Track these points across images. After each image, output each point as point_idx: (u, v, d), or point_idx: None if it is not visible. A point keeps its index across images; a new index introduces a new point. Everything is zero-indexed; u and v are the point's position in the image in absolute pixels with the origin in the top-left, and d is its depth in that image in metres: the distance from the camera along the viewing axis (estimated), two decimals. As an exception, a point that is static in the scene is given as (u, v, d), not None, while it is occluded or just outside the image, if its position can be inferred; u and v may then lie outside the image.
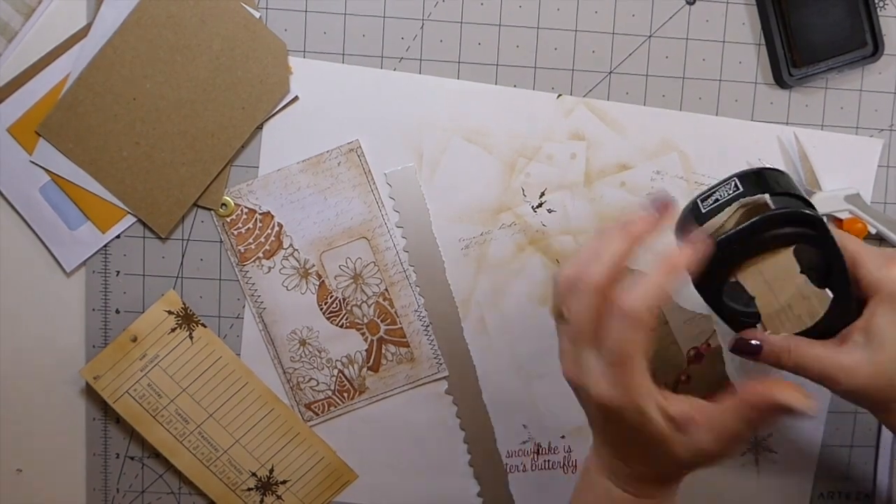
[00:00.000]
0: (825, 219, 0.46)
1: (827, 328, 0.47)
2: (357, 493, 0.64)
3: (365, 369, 0.62)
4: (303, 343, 0.62)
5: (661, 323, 0.62)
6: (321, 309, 0.61)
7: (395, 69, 0.60)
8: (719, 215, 0.46)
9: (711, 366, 0.62)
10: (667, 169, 0.61)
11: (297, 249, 0.61)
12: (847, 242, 0.46)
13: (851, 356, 0.45)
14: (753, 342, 0.47)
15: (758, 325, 0.48)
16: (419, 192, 0.60)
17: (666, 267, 0.43)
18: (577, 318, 0.43)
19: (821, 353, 0.46)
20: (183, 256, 0.61)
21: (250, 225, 0.60)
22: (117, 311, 0.61)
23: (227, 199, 0.60)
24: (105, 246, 0.60)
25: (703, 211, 0.46)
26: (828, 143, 0.61)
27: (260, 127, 0.59)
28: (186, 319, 0.60)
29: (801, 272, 0.46)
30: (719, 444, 0.44)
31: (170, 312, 0.60)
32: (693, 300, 0.60)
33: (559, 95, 0.60)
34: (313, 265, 0.61)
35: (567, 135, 0.60)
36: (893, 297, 0.44)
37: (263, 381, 0.62)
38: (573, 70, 0.60)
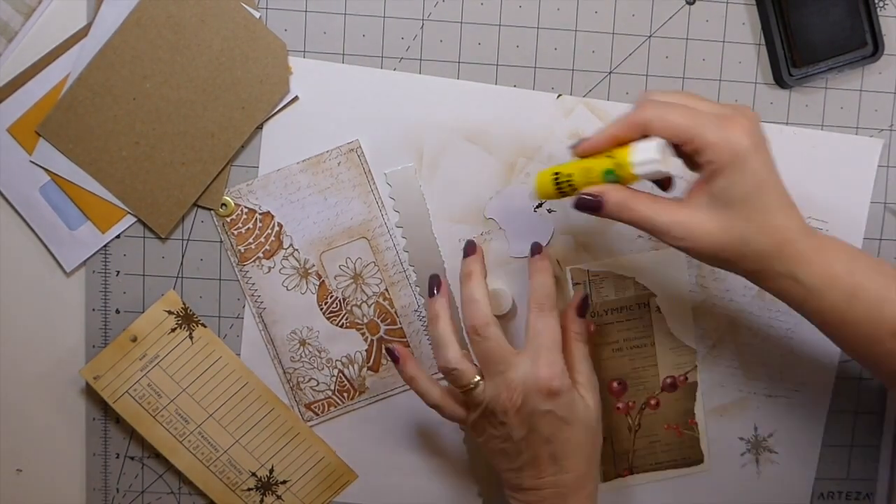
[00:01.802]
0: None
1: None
2: (357, 493, 0.64)
3: (365, 369, 0.62)
4: (303, 343, 0.62)
5: (648, 344, 0.62)
6: (321, 309, 0.61)
7: (395, 69, 0.60)
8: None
9: (682, 399, 0.62)
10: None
11: (297, 249, 0.61)
12: (680, 117, 0.46)
13: (695, 215, 0.47)
14: (594, 197, 0.49)
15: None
16: (419, 192, 0.60)
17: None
18: (488, 355, 0.54)
19: (655, 207, 0.48)
20: (183, 256, 0.61)
21: (250, 225, 0.60)
22: (117, 311, 0.61)
23: (227, 199, 0.60)
24: (105, 246, 0.61)
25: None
26: (828, 143, 0.61)
27: (260, 127, 0.59)
28: (186, 319, 0.60)
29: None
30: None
31: (170, 312, 0.60)
32: (683, 331, 0.61)
33: (559, 95, 0.60)
34: (313, 265, 0.61)
35: (567, 135, 0.60)
36: (734, 161, 0.45)
37: (263, 381, 0.62)
38: (573, 70, 0.60)
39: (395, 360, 0.56)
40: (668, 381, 0.62)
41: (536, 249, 0.56)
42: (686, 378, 0.62)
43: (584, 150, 0.50)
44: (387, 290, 0.61)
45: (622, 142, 0.48)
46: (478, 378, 0.53)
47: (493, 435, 0.54)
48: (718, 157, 0.45)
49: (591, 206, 0.49)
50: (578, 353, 0.56)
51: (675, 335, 0.62)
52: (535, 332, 0.53)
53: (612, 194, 0.48)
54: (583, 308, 0.57)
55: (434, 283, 0.56)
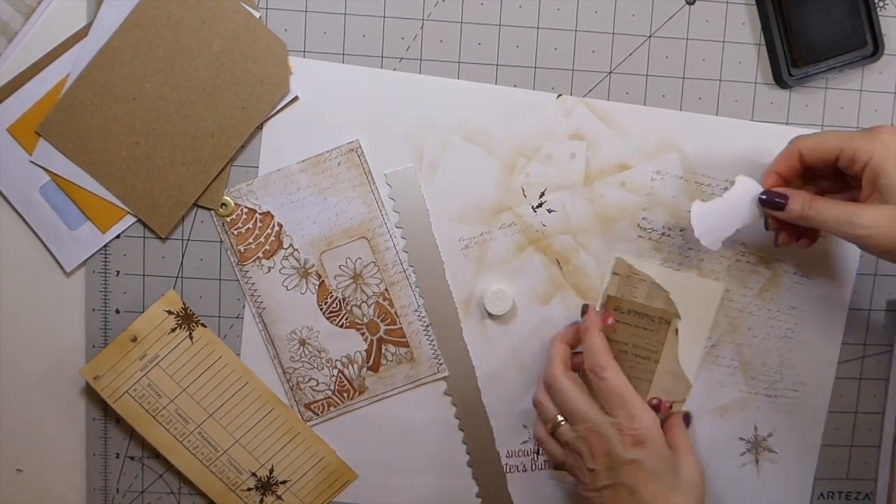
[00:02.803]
0: None
1: None
2: (357, 493, 0.64)
3: (365, 369, 0.62)
4: (303, 343, 0.62)
5: (653, 360, 0.62)
6: (321, 309, 0.61)
7: (395, 69, 0.60)
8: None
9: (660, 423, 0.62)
10: (667, 169, 0.61)
11: (297, 249, 0.61)
12: (829, 136, 0.52)
13: (874, 208, 0.51)
14: (779, 199, 0.54)
15: None
16: (419, 192, 0.60)
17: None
18: (572, 400, 0.55)
19: (837, 207, 0.52)
20: (183, 256, 0.61)
21: (250, 225, 0.60)
22: (117, 311, 0.61)
23: (227, 199, 0.60)
24: (105, 246, 0.61)
25: None
26: (828, 143, 0.61)
27: (260, 127, 0.59)
28: (186, 319, 0.60)
29: None
30: None
31: (170, 312, 0.60)
32: (690, 364, 0.61)
33: (559, 95, 0.60)
34: (313, 265, 0.61)
35: (567, 135, 0.60)
36: (887, 153, 0.50)
37: (263, 381, 0.62)
38: (573, 70, 0.60)
39: (781, 206, 0.55)
40: (654, 402, 0.61)
41: (583, 310, 0.59)
42: (671, 407, 0.62)
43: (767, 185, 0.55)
44: (387, 290, 0.61)
45: (782, 175, 0.55)
46: (560, 419, 0.56)
47: (581, 481, 0.56)
48: (872, 157, 0.50)
49: (777, 205, 0.54)
50: (681, 432, 0.58)
51: (681, 364, 0.62)
52: (612, 387, 0.54)
53: (796, 196, 0.53)
54: (688, 420, 0.62)
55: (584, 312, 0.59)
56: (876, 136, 0.51)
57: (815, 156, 0.53)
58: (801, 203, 0.53)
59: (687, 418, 0.62)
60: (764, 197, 0.55)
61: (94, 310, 0.61)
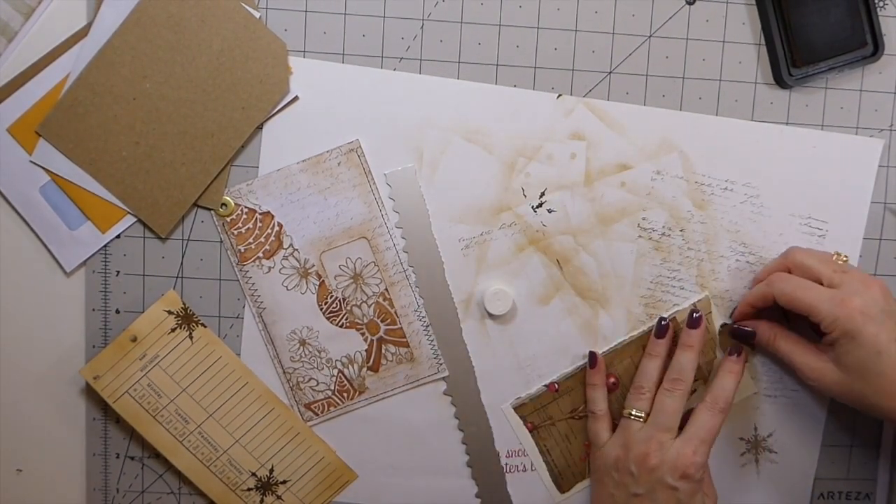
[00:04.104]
0: None
1: None
2: (357, 493, 0.64)
3: (365, 369, 0.62)
4: (303, 343, 0.62)
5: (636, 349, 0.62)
6: (321, 309, 0.61)
7: (395, 69, 0.60)
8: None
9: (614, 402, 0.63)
10: (667, 169, 0.61)
11: (297, 249, 0.61)
12: (802, 294, 0.55)
13: (826, 364, 0.56)
14: (747, 329, 0.60)
15: None
16: (419, 192, 0.60)
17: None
18: (667, 411, 0.57)
19: (795, 349, 0.58)
20: (183, 256, 0.61)
21: (250, 225, 0.60)
22: (117, 311, 0.61)
23: (227, 199, 0.60)
24: (105, 246, 0.61)
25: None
26: (828, 143, 0.61)
27: (260, 127, 0.59)
28: (186, 319, 0.60)
29: None
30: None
31: (170, 312, 0.60)
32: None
33: (559, 95, 0.60)
34: (313, 265, 0.61)
35: (567, 135, 0.60)
36: (846, 337, 0.53)
37: (263, 381, 0.62)
38: (573, 70, 0.60)
39: (750, 337, 0.60)
40: (612, 382, 0.63)
41: (737, 350, 0.60)
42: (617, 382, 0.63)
43: (736, 318, 0.62)
44: (387, 290, 0.61)
45: (758, 308, 0.60)
46: (643, 414, 0.58)
47: (610, 476, 0.59)
48: (833, 331, 0.54)
49: (745, 336, 0.60)
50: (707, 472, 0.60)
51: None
52: (701, 422, 0.57)
53: (762, 330, 0.60)
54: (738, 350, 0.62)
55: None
56: (839, 310, 0.53)
57: (787, 306, 0.56)
58: (766, 337, 0.59)
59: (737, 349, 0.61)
60: (734, 327, 0.61)
61: (94, 310, 0.61)
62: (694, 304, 0.61)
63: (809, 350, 0.57)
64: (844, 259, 0.58)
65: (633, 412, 0.59)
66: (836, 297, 0.54)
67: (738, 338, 0.61)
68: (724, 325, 0.62)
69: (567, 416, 0.63)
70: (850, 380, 0.54)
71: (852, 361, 0.54)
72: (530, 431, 0.63)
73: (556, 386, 0.62)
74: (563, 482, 0.63)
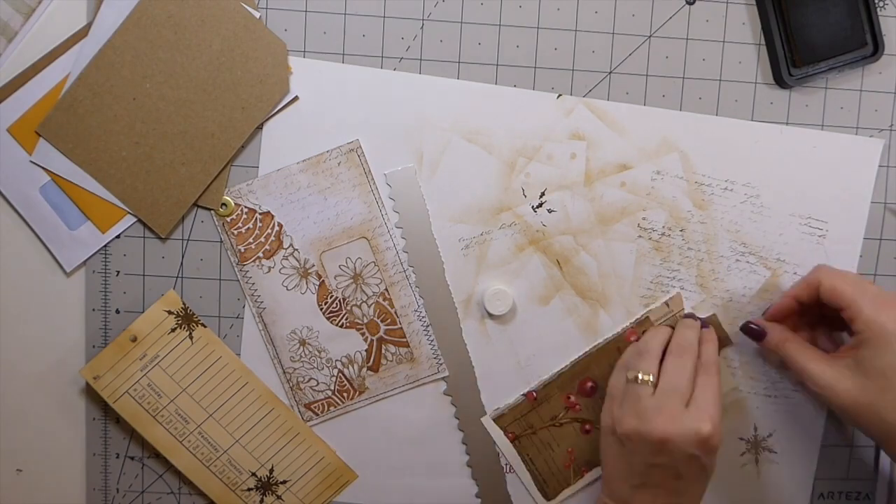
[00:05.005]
0: None
1: None
2: (357, 493, 0.64)
3: (365, 369, 0.62)
4: (303, 343, 0.62)
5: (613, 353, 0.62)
6: (321, 309, 0.61)
7: (395, 69, 0.60)
8: None
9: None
10: (667, 169, 0.61)
11: (297, 249, 0.61)
12: (846, 285, 0.54)
13: (839, 372, 0.54)
14: (757, 327, 0.59)
15: None
16: (419, 192, 0.60)
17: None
18: (680, 377, 0.55)
19: (806, 354, 0.56)
20: (183, 256, 0.61)
21: (250, 225, 0.60)
22: (117, 311, 0.61)
23: (227, 198, 0.60)
24: (105, 246, 0.61)
25: None
26: (828, 143, 0.61)
27: (260, 127, 0.59)
28: (186, 319, 0.60)
29: None
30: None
31: (170, 312, 0.60)
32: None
33: (559, 95, 0.60)
34: (313, 265, 0.61)
35: (567, 135, 0.60)
36: (880, 339, 0.52)
37: (263, 381, 0.62)
38: (573, 70, 0.60)
39: (760, 336, 0.59)
40: (590, 384, 0.63)
41: (706, 324, 0.60)
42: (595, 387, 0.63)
43: (772, 316, 0.60)
44: (387, 290, 0.61)
45: (802, 302, 0.58)
46: (651, 377, 0.56)
47: (620, 443, 0.56)
48: (866, 330, 0.53)
49: (756, 334, 0.59)
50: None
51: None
52: (704, 386, 0.55)
53: (774, 332, 0.58)
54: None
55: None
56: (881, 311, 0.53)
57: (828, 295, 0.55)
58: (776, 339, 0.58)
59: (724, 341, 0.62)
60: (747, 324, 0.60)
61: (94, 310, 0.61)
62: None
63: (821, 357, 0.56)
64: None
65: (641, 375, 0.55)
66: (879, 297, 0.53)
67: (749, 334, 0.60)
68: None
69: (548, 423, 0.63)
70: (865, 390, 0.53)
71: (877, 367, 0.52)
72: (512, 442, 0.63)
73: (535, 394, 0.62)
74: (548, 490, 0.63)
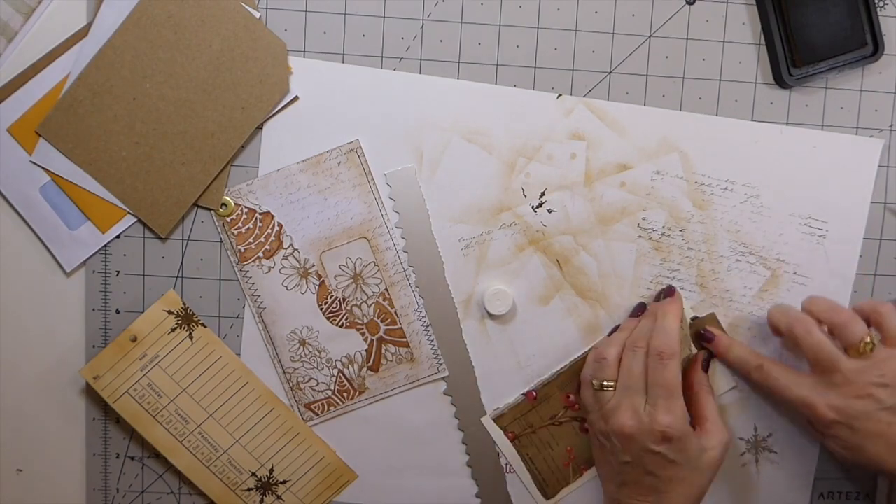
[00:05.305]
0: None
1: None
2: (357, 493, 0.64)
3: (365, 369, 0.62)
4: (303, 343, 0.62)
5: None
6: (321, 309, 0.61)
7: (395, 69, 0.60)
8: None
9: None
10: (667, 169, 0.61)
11: (297, 249, 0.61)
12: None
13: (819, 395, 0.55)
14: (707, 331, 0.61)
15: None
16: (419, 192, 0.60)
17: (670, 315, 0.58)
18: (632, 374, 0.56)
19: (792, 380, 0.57)
20: (183, 256, 0.61)
21: (250, 225, 0.60)
22: (117, 311, 0.61)
23: (227, 198, 0.60)
24: (105, 246, 0.61)
25: None
26: (828, 143, 0.61)
27: (260, 127, 0.59)
28: (186, 319, 0.60)
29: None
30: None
31: (170, 312, 0.60)
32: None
33: (559, 95, 0.60)
34: (313, 265, 0.61)
35: (567, 135, 0.60)
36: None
37: (263, 381, 0.62)
38: (573, 70, 0.60)
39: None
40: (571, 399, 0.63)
41: (670, 292, 0.60)
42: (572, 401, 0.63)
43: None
44: (387, 290, 0.61)
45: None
46: (612, 382, 0.57)
47: (602, 444, 0.59)
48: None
49: (705, 338, 0.61)
50: (708, 403, 0.59)
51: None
52: (655, 379, 0.56)
53: (723, 340, 0.60)
54: (707, 365, 0.61)
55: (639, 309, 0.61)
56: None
57: (803, 346, 0.57)
58: (746, 361, 0.59)
59: (707, 363, 0.61)
60: (702, 329, 0.61)
61: (94, 310, 0.61)
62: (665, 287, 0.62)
63: (802, 379, 0.57)
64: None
65: (605, 382, 0.57)
66: (858, 368, 0.54)
67: (700, 337, 0.61)
68: (694, 319, 0.62)
69: (547, 422, 0.63)
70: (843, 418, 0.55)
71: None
72: (511, 441, 0.63)
73: (535, 394, 0.62)
74: (548, 489, 0.63)
